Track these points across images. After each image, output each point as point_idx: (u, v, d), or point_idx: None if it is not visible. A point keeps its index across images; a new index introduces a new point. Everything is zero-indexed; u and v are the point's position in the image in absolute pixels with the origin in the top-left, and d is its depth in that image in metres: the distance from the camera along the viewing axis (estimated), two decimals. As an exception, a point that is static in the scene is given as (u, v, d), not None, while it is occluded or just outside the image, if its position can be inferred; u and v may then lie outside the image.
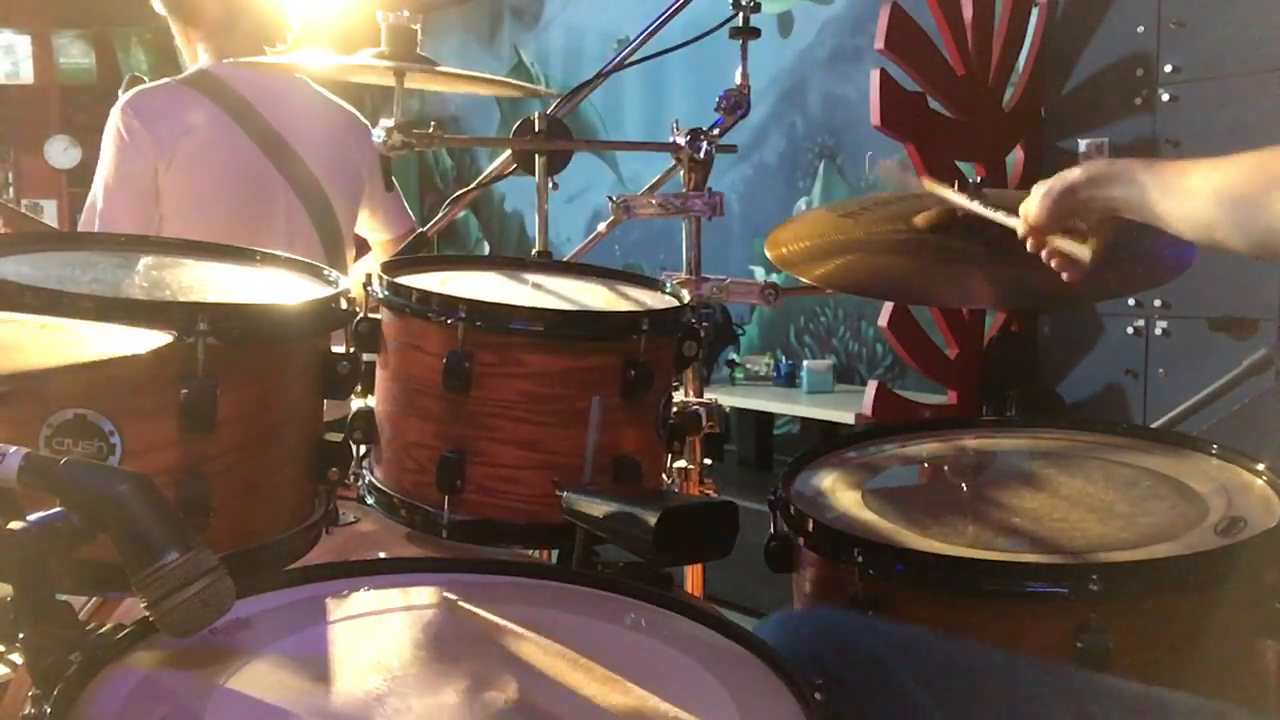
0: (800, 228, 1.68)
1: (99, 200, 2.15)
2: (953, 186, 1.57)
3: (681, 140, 1.73)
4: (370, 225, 2.45)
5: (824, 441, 2.02)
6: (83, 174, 6.89)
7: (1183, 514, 1.27)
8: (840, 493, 1.40)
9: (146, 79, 2.29)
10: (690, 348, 1.34)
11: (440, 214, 2.06)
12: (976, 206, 1.46)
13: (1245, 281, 2.80)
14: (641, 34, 1.87)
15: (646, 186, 1.98)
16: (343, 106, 2.38)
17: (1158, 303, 3.07)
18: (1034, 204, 1.29)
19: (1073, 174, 1.25)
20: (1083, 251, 1.27)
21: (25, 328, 0.86)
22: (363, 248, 2.51)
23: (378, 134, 1.63)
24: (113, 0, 6.59)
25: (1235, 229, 1.08)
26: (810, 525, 1.29)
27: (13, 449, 0.77)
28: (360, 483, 1.35)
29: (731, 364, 4.56)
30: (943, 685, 1.02)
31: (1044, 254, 1.32)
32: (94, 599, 1.22)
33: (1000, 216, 1.40)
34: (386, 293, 1.27)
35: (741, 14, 1.80)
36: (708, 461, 1.69)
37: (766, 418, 4.51)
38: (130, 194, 2.14)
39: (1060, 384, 3.34)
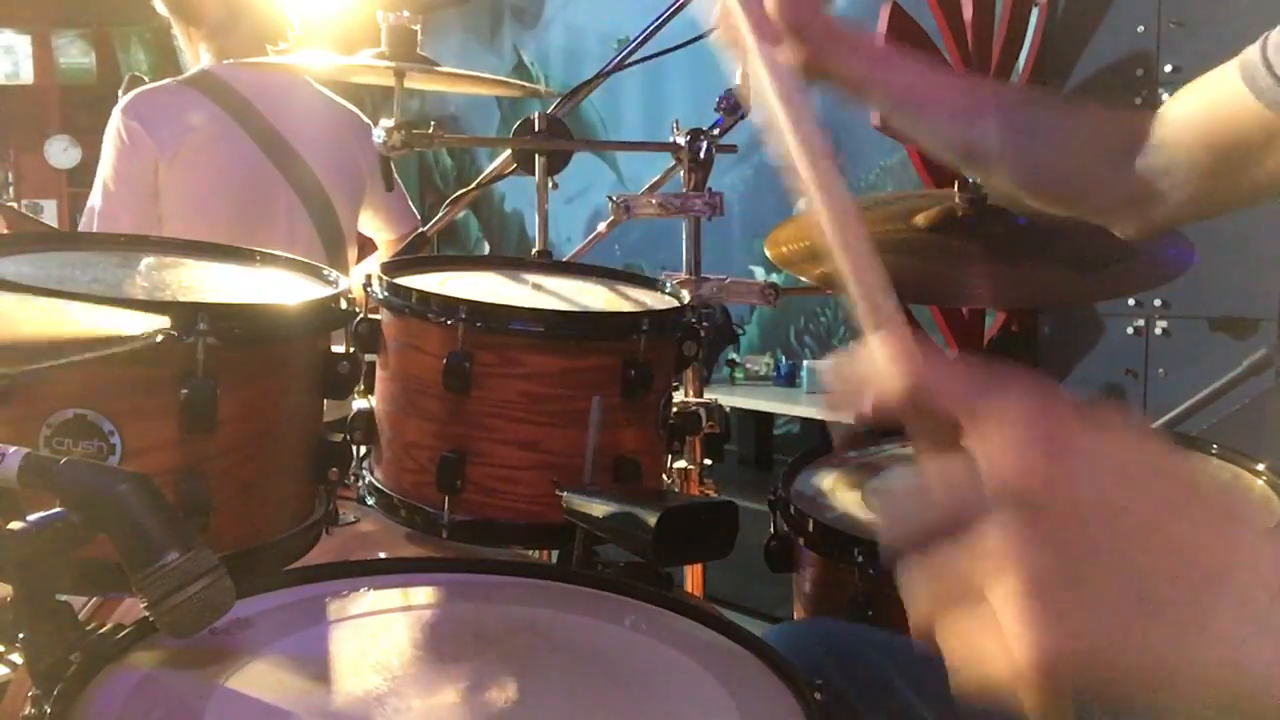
0: (800, 228, 1.69)
1: (99, 201, 2.15)
2: (953, 185, 1.57)
3: (681, 140, 1.72)
4: (374, 225, 2.46)
5: (824, 441, 2.02)
6: (83, 174, 6.89)
7: (1183, 514, 1.27)
8: (840, 493, 1.40)
9: (146, 79, 2.30)
10: (690, 348, 1.34)
11: (440, 214, 2.06)
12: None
13: (1245, 281, 2.80)
14: (641, 34, 1.87)
15: (646, 186, 1.98)
16: (344, 106, 2.38)
17: (1158, 303, 3.07)
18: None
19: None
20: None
21: (20, 308, 0.86)
22: (365, 248, 2.51)
23: (378, 134, 1.63)
24: (113, 0, 6.60)
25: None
26: (810, 525, 1.29)
27: (13, 449, 0.77)
28: (360, 483, 1.35)
29: (731, 364, 4.56)
30: (942, 697, 1.02)
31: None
32: (94, 599, 1.22)
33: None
34: (386, 293, 1.27)
35: (742, 14, 1.80)
36: (708, 461, 1.69)
37: (766, 418, 4.51)
38: (130, 195, 2.14)
39: (1060, 384, 3.34)
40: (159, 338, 0.83)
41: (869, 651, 1.08)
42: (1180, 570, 0.46)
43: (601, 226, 1.94)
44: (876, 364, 0.53)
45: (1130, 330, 3.16)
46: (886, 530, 0.51)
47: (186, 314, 1.03)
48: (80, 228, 2.21)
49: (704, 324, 1.37)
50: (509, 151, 1.80)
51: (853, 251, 0.60)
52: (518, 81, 2.07)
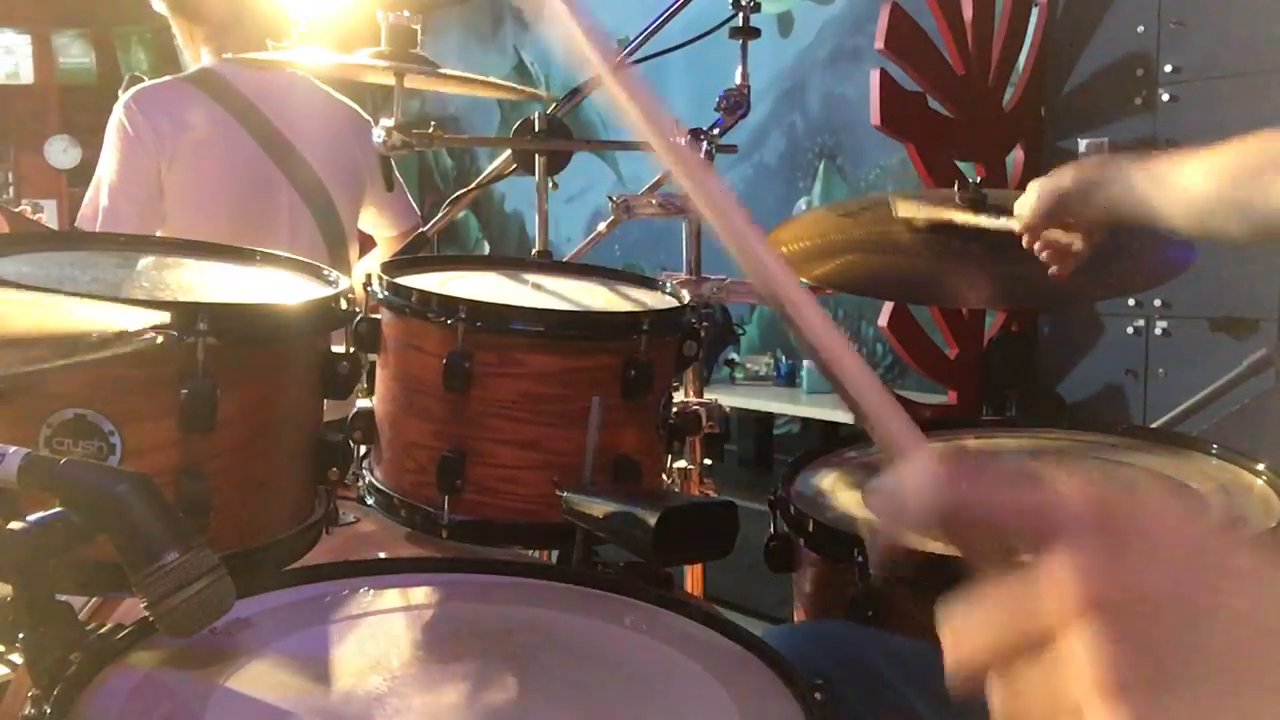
0: (800, 228, 1.69)
1: (102, 197, 2.14)
2: (953, 185, 1.58)
3: (681, 140, 1.72)
4: (376, 222, 2.45)
5: (824, 441, 2.02)
6: (83, 174, 6.88)
7: (1183, 514, 1.27)
8: (840, 493, 1.40)
9: (146, 79, 2.29)
10: (690, 348, 1.34)
11: (440, 214, 2.06)
12: (978, 220, 1.46)
13: (1245, 281, 2.80)
14: (641, 34, 1.87)
15: (646, 186, 1.98)
16: (344, 103, 2.38)
17: (1158, 303, 3.07)
18: (1028, 202, 1.29)
19: (1066, 174, 1.24)
20: (1075, 241, 1.26)
21: (19, 305, 0.86)
22: (365, 245, 2.51)
23: (377, 134, 1.63)
24: (113, 0, 6.59)
25: (1234, 212, 1.07)
26: (810, 525, 1.29)
27: (13, 449, 0.77)
28: (360, 483, 1.35)
29: (731, 364, 4.55)
30: (944, 699, 1.02)
31: (1037, 247, 1.32)
32: (94, 599, 1.22)
33: (998, 223, 1.40)
34: (386, 293, 1.27)
35: (741, 14, 1.80)
36: (708, 461, 1.69)
37: (766, 418, 4.51)
38: (134, 189, 2.13)
39: (1060, 384, 3.34)
40: (159, 338, 0.83)
41: (870, 654, 1.07)
42: None
43: (601, 226, 1.94)
44: (910, 492, 0.49)
45: (1130, 330, 3.16)
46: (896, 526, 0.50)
47: (186, 314, 1.03)
48: (80, 224, 2.19)
49: (704, 324, 1.37)
50: (509, 151, 1.80)
51: (858, 389, 0.56)
52: (516, 85, 2.07)
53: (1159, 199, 1.14)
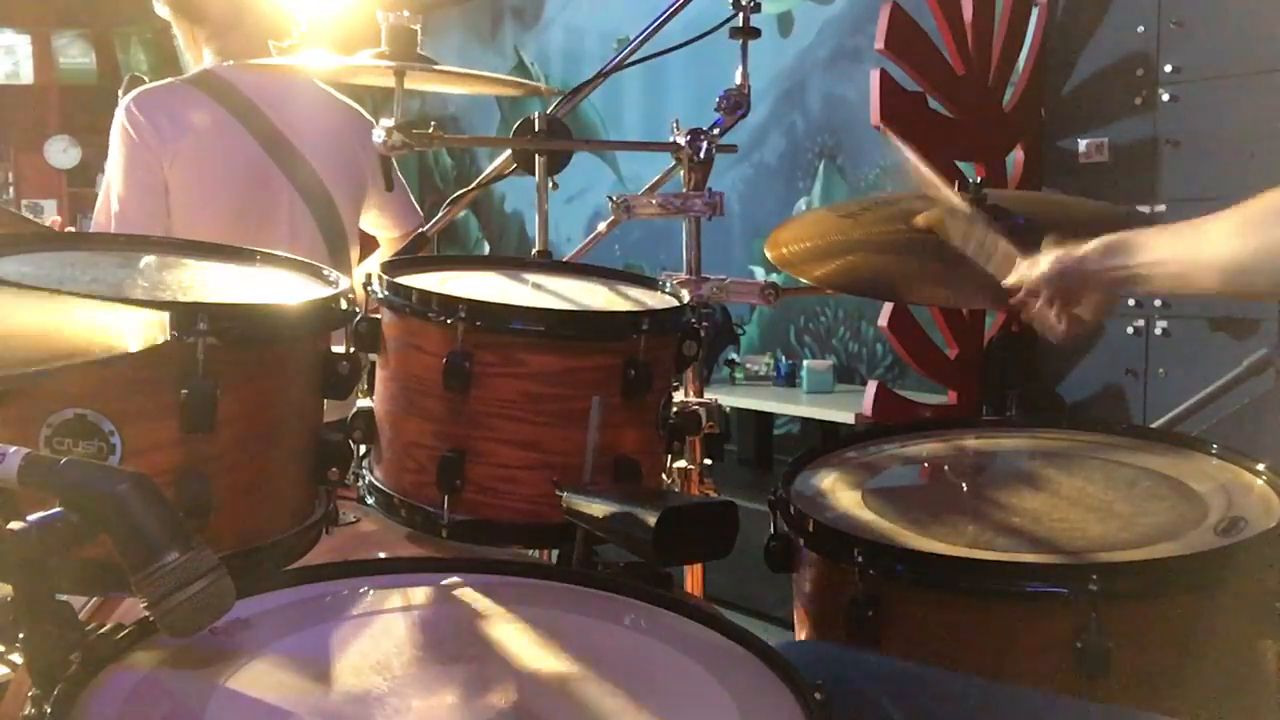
0: (800, 228, 1.68)
1: (113, 204, 2.14)
2: (953, 185, 1.57)
3: (681, 140, 1.72)
4: (378, 223, 2.45)
5: (824, 441, 2.02)
6: (83, 174, 6.89)
7: (1183, 514, 1.27)
8: (840, 493, 1.40)
9: (146, 79, 2.29)
10: (690, 348, 1.34)
11: (440, 214, 2.05)
12: (976, 233, 1.44)
13: (1245, 281, 2.80)
14: (641, 34, 1.87)
15: (646, 186, 1.98)
16: (346, 103, 2.38)
17: (1158, 303, 3.07)
18: (1042, 267, 1.27)
19: (1087, 246, 1.24)
20: (1058, 329, 1.28)
21: (26, 308, 0.86)
22: (367, 247, 2.50)
23: (377, 134, 1.63)
24: (113, 0, 6.60)
25: (1261, 268, 1.08)
26: (810, 525, 1.29)
27: (13, 449, 0.77)
28: (360, 483, 1.35)
29: (731, 364, 4.55)
30: (928, 715, 1.02)
31: (1024, 313, 1.31)
32: (94, 599, 1.22)
33: (992, 257, 1.39)
34: (386, 293, 1.27)
35: (741, 14, 1.80)
36: (708, 461, 1.69)
37: (766, 418, 4.51)
38: (143, 193, 2.14)
39: (1060, 384, 3.34)
40: (160, 339, 0.83)
41: (856, 674, 1.07)
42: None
43: (601, 226, 1.94)
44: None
45: (1130, 330, 3.16)
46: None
47: (186, 314, 1.03)
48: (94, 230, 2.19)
49: (704, 324, 1.37)
50: (509, 151, 1.80)
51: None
52: (517, 79, 2.07)
53: (1186, 262, 1.16)
